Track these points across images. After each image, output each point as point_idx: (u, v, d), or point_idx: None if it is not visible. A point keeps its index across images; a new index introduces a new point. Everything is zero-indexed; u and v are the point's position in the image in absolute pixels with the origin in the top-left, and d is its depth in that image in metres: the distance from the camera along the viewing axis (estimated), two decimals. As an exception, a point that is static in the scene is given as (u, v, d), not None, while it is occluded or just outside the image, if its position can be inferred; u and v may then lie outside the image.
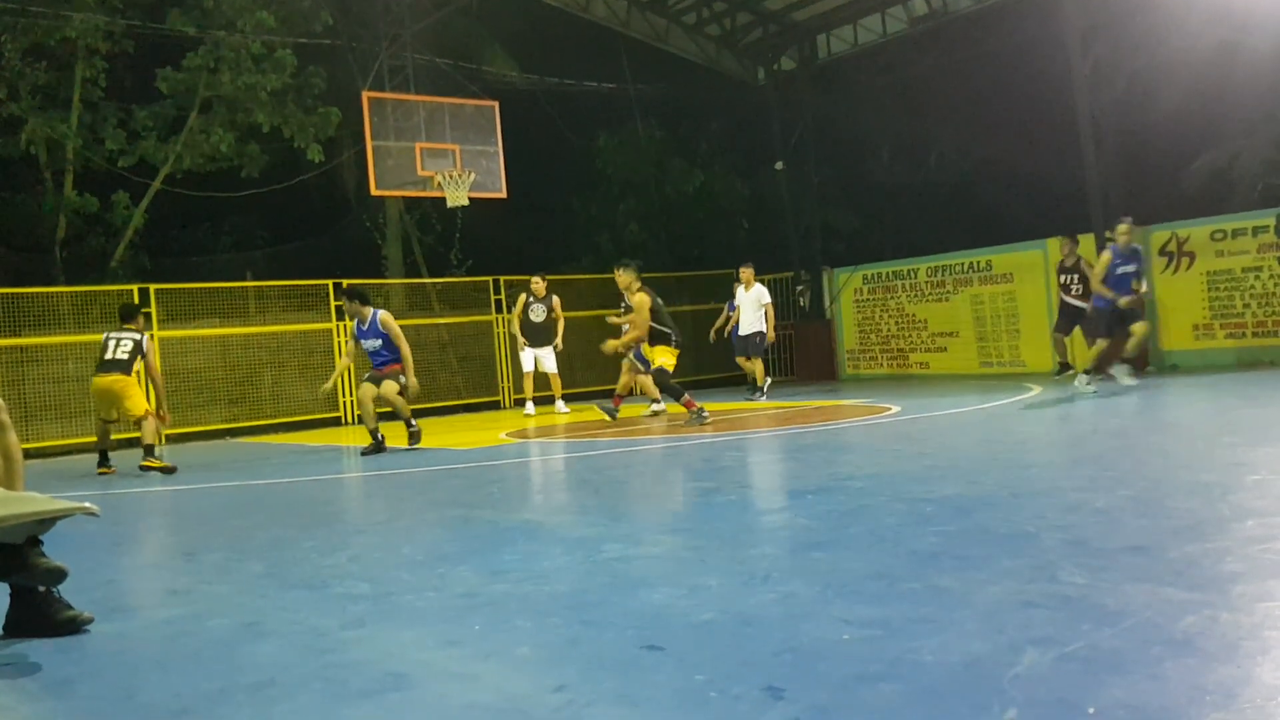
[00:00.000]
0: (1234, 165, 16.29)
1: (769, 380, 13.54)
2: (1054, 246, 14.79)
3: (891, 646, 2.44)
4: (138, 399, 9.18)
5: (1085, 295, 11.82)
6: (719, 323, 14.14)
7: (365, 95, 14.01)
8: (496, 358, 16.20)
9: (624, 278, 10.65)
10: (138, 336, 9.35)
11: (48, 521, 3.11)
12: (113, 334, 9.38)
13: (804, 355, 18.31)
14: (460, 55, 18.69)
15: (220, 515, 6.10)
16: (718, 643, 2.59)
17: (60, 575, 3.13)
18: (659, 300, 10.75)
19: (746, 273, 13.49)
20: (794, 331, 18.51)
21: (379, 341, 9.38)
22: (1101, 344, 10.59)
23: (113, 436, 9.79)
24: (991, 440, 7.17)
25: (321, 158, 16.33)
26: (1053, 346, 12.68)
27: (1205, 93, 14.99)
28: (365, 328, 9.42)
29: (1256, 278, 12.76)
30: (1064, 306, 12.51)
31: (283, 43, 15.79)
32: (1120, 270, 10.46)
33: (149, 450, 8.87)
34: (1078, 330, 12.53)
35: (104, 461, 9.26)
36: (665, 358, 10.53)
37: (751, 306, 13.24)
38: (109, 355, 9.15)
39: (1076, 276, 12.27)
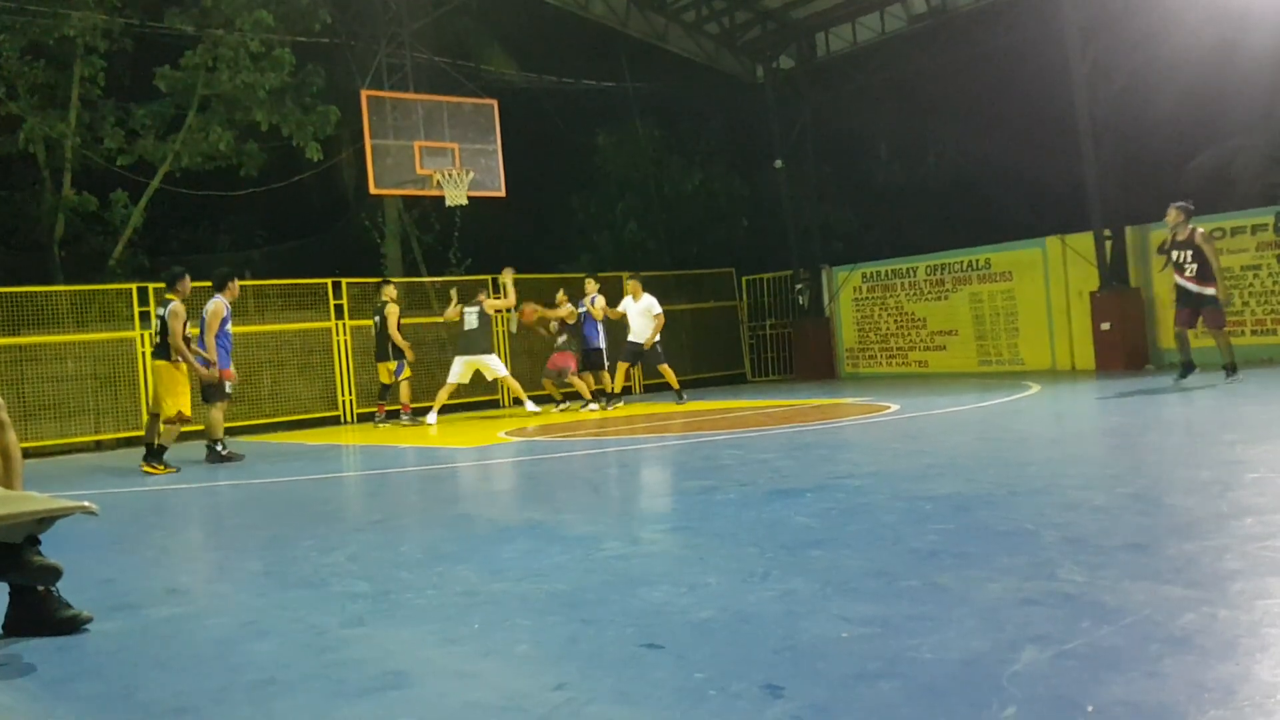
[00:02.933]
0: (1233, 163, 16.31)
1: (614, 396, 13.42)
2: (1053, 245, 14.83)
3: (891, 644, 2.44)
4: (172, 397, 8.51)
5: (1201, 277, 9.92)
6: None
7: (364, 94, 14.01)
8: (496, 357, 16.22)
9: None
10: (163, 310, 8.77)
11: (47, 521, 3.11)
12: (158, 309, 8.95)
13: (803, 354, 18.32)
14: (459, 54, 18.70)
15: (219, 514, 6.10)
16: (717, 640, 2.60)
17: (55, 574, 3.13)
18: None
19: (633, 284, 13.42)
20: (793, 330, 18.53)
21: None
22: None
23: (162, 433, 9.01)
24: (990, 438, 7.17)
25: (320, 156, 16.32)
26: (1176, 344, 10.41)
27: (1204, 91, 15.01)
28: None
29: (1255, 276, 12.77)
30: (1181, 292, 10.13)
31: (281, 41, 15.78)
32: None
33: (158, 452, 8.55)
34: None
35: (149, 457, 8.57)
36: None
37: (641, 315, 13.16)
38: (156, 338, 8.84)
39: (1190, 253, 9.93)
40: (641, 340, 13.05)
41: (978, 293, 15.87)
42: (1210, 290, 9.85)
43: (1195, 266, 9.90)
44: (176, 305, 8.58)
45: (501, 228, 19.17)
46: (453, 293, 13.61)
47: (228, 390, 9.30)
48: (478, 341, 12.58)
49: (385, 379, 12.99)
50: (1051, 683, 2.10)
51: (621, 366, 13.48)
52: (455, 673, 2.53)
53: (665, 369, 13.30)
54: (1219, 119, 15.91)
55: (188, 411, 8.62)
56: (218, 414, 9.17)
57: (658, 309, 13.15)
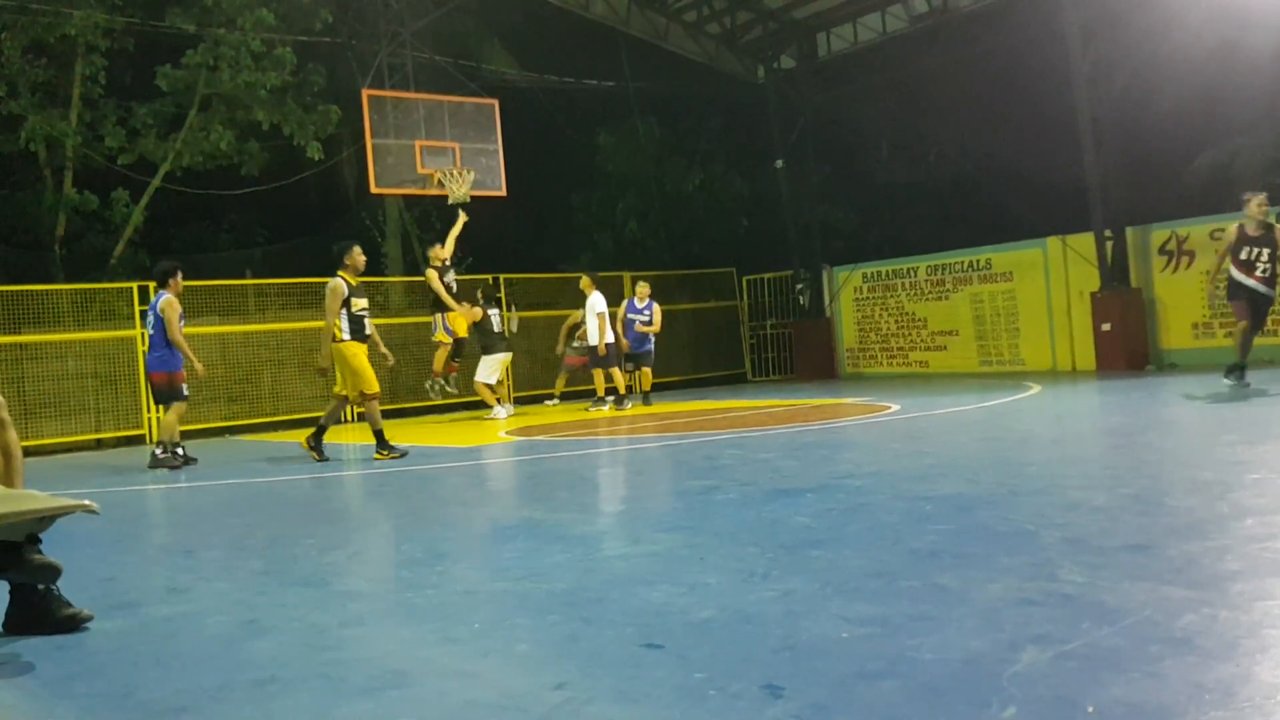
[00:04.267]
0: (1234, 163, 16.28)
1: (615, 399, 12.94)
2: (1054, 245, 14.81)
3: (891, 644, 2.44)
4: (357, 376, 8.00)
5: (1273, 280, 8.97)
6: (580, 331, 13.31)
7: (365, 93, 14.00)
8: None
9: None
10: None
11: (48, 519, 3.11)
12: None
13: (803, 353, 18.32)
14: (460, 53, 18.70)
15: (220, 513, 6.09)
16: (717, 640, 2.60)
17: (54, 572, 3.13)
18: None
19: (584, 281, 13.13)
20: (794, 330, 18.53)
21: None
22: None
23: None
24: (991, 438, 7.17)
25: (321, 155, 16.33)
26: (1240, 346, 9.23)
27: (1206, 91, 14.99)
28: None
29: (1256, 276, 12.74)
30: (1245, 291, 9.08)
31: (282, 40, 15.79)
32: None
33: (379, 436, 8.06)
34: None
35: (379, 445, 8.09)
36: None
37: (589, 314, 12.87)
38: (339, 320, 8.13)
39: (1268, 252, 8.92)
40: (593, 341, 12.72)
41: (978, 293, 15.87)
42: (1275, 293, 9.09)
43: (1269, 266, 8.96)
44: (337, 281, 8.08)
45: (502, 227, 19.18)
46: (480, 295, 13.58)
47: (185, 393, 8.98)
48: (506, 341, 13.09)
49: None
50: (1052, 683, 2.10)
51: (597, 373, 13.19)
52: (455, 672, 2.53)
53: (615, 372, 12.92)
54: (1220, 119, 15.89)
55: (375, 387, 8.19)
56: (174, 416, 8.87)
57: (600, 307, 12.74)
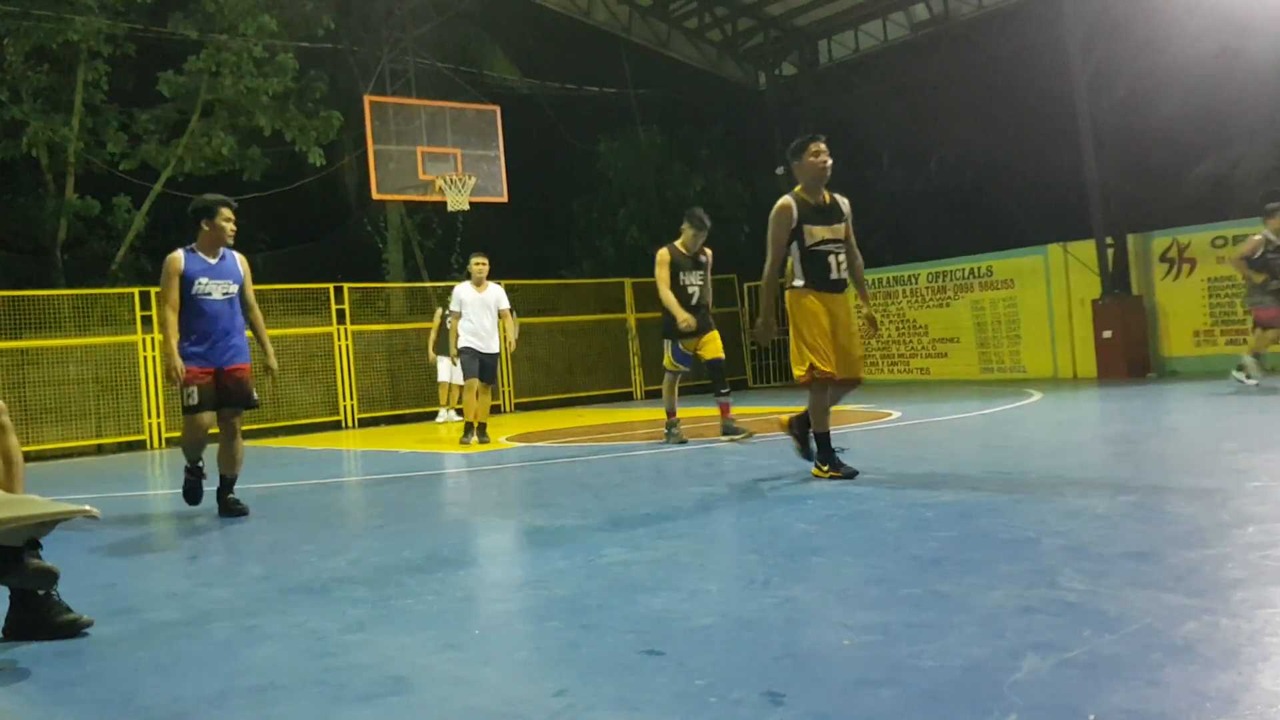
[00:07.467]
0: (1235, 171, 16.30)
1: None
2: (1055, 253, 14.83)
3: (891, 652, 2.44)
4: (797, 349, 5.49)
5: None
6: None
7: (367, 99, 14.05)
8: (498, 361, 16.24)
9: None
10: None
11: (48, 524, 3.11)
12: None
13: (804, 360, 18.31)
14: (462, 59, 18.75)
15: (219, 519, 6.08)
16: (717, 647, 2.59)
17: (52, 577, 3.13)
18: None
19: (480, 265, 9.72)
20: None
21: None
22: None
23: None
24: (992, 446, 7.16)
25: (323, 161, 16.37)
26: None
27: (1206, 98, 15.01)
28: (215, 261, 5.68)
29: (1257, 284, 12.74)
30: None
31: (284, 46, 15.82)
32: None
33: (823, 445, 5.54)
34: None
35: (819, 455, 5.58)
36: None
37: (487, 313, 9.69)
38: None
39: None
40: (496, 349, 9.86)
41: (979, 300, 15.87)
42: None
43: None
44: (785, 200, 5.52)
45: (503, 233, 19.21)
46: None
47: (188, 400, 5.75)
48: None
49: None
50: (1053, 691, 2.09)
51: (472, 387, 9.75)
52: (455, 678, 2.53)
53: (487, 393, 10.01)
54: (1221, 126, 15.91)
55: (826, 366, 5.41)
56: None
57: (507, 302, 9.85)
